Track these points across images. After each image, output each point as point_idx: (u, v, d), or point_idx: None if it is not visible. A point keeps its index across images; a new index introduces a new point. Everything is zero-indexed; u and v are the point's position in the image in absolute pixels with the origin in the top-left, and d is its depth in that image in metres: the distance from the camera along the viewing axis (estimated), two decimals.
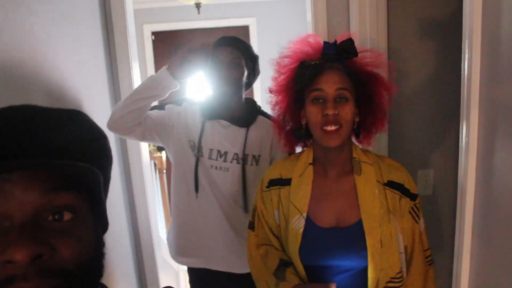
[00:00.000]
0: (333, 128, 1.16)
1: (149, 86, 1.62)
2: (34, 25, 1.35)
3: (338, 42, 1.27)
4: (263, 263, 1.31)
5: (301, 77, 1.22)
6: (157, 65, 4.28)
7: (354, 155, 1.25)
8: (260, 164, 1.73)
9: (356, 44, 1.26)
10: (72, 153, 0.55)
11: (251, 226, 1.39)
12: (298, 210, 1.24)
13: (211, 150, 1.70)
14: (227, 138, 1.71)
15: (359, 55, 1.26)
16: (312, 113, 1.20)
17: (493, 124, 1.03)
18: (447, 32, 1.65)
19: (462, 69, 1.14)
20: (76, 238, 0.53)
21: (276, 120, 1.39)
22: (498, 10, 0.97)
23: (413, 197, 1.22)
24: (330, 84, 1.18)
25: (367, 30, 1.68)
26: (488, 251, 1.08)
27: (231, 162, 1.71)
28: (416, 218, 1.21)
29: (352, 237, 1.19)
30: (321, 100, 1.19)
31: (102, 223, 0.63)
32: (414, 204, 1.22)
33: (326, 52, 1.25)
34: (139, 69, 2.19)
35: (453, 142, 1.67)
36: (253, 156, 1.72)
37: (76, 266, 0.51)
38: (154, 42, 4.28)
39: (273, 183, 1.34)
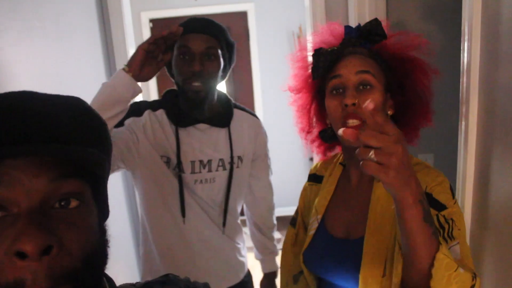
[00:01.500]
0: (355, 123, 0.94)
1: (110, 99, 1.18)
2: (30, 17, 1.34)
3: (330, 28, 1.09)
4: (294, 260, 1.23)
5: (316, 65, 1.02)
6: None
7: None
8: (244, 164, 1.52)
9: (353, 19, 1.14)
10: (78, 139, 0.54)
11: (293, 223, 1.28)
12: (316, 210, 1.12)
13: (192, 162, 1.42)
14: (209, 144, 1.44)
15: (390, 39, 1.04)
16: (331, 107, 1.00)
17: (492, 108, 1.02)
18: (448, 15, 1.63)
19: (461, 53, 1.13)
20: (82, 228, 0.52)
21: (300, 123, 1.18)
22: None
23: (439, 207, 0.90)
24: (349, 68, 0.97)
25: (366, 12, 1.66)
26: (486, 236, 1.09)
27: (216, 170, 1.45)
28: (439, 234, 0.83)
29: (352, 253, 0.98)
30: (340, 90, 0.98)
31: (103, 210, 0.63)
32: (442, 215, 0.89)
33: (347, 36, 1.04)
34: None
35: (454, 126, 1.66)
36: (238, 157, 1.50)
37: (83, 260, 0.51)
38: (152, 29, 4.25)
39: (310, 178, 1.25)
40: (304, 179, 1.29)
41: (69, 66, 1.61)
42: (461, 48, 1.12)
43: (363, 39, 1.02)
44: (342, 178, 1.13)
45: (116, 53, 2.00)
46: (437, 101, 1.70)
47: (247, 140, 1.52)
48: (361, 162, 0.66)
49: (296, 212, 1.28)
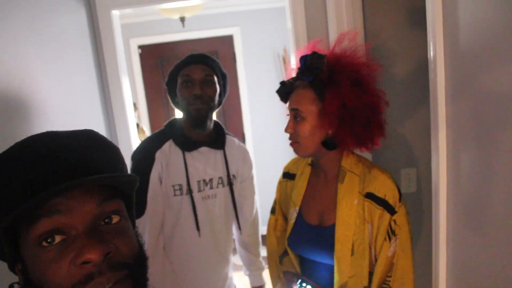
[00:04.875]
0: (291, 142, 1.29)
1: None
2: (28, 50, 1.42)
3: (312, 48, 1.29)
4: (277, 244, 1.51)
5: (279, 95, 1.34)
6: (145, 78, 4.36)
7: (343, 163, 1.28)
8: (237, 182, 1.74)
9: (333, 39, 1.31)
10: (108, 166, 0.66)
11: (273, 211, 1.56)
12: (293, 202, 1.39)
13: (198, 182, 1.62)
14: (209, 164, 1.66)
15: (339, 46, 1.26)
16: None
17: (460, 122, 1.08)
18: (424, 24, 1.70)
19: (429, 67, 1.19)
20: (127, 235, 0.64)
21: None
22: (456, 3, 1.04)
23: (392, 211, 1.19)
24: (290, 103, 1.29)
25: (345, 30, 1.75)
26: (464, 245, 1.12)
27: (217, 187, 1.66)
28: (387, 236, 1.19)
29: (326, 237, 1.26)
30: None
31: (133, 219, 0.75)
32: (393, 220, 1.19)
33: (300, 69, 1.29)
34: (128, 83, 2.26)
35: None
36: (233, 175, 1.71)
37: (133, 258, 0.63)
38: (141, 55, 4.34)
39: (284, 175, 1.53)
40: None
41: (65, 94, 1.68)
42: (428, 61, 1.19)
43: (308, 72, 1.25)
44: (311, 175, 1.40)
45: (110, 79, 2.08)
46: (419, 115, 1.75)
47: (237, 162, 1.73)
48: None
49: (275, 201, 1.56)
